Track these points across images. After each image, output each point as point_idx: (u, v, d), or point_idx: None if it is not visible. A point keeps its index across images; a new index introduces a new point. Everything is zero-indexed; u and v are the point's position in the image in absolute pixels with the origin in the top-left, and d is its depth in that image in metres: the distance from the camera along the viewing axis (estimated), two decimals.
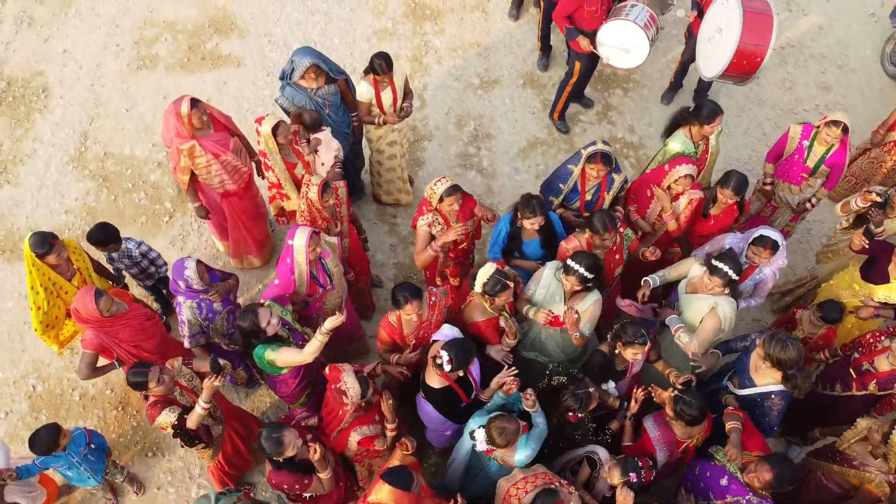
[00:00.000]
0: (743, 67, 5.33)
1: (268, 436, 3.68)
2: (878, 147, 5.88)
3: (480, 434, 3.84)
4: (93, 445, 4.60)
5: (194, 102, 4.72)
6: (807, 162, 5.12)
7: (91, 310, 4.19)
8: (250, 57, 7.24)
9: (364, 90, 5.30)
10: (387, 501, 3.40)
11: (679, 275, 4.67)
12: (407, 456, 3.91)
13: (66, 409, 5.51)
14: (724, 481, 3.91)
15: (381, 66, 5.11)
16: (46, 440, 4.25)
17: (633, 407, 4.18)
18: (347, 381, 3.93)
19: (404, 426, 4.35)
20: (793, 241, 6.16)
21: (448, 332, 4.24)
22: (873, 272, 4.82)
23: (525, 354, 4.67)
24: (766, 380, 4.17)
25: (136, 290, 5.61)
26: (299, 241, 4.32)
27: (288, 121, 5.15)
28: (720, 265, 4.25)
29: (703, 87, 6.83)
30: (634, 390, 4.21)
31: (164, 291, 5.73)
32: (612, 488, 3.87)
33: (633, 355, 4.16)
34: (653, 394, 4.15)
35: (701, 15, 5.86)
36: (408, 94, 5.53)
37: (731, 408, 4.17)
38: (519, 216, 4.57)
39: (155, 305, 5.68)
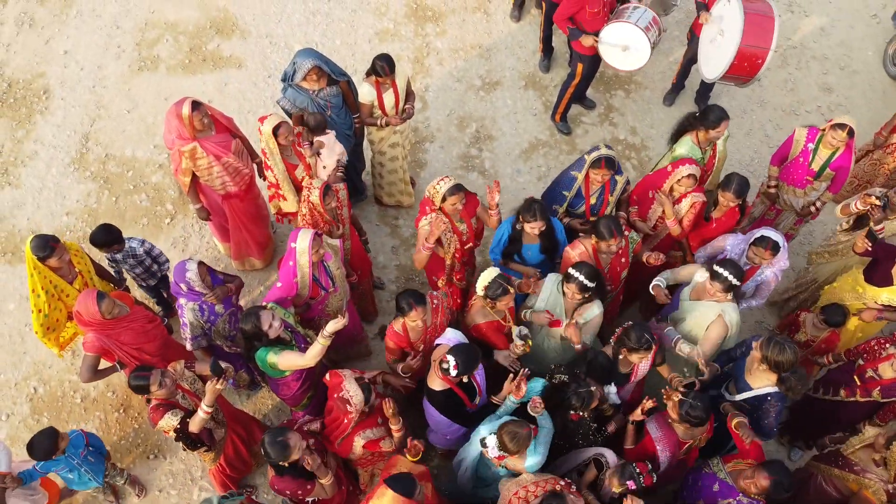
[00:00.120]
0: (744, 69, 5.33)
1: (272, 441, 3.66)
2: (880, 149, 5.86)
3: (492, 440, 3.82)
4: (91, 447, 4.58)
5: (195, 105, 4.71)
6: (812, 165, 5.10)
7: (93, 312, 4.19)
8: (251, 58, 7.24)
9: (366, 92, 5.29)
10: None
11: (685, 277, 4.66)
12: (416, 464, 3.89)
13: (67, 411, 5.50)
14: (715, 487, 3.93)
15: (383, 67, 5.11)
16: (45, 445, 4.23)
17: (638, 414, 4.17)
18: (350, 390, 3.92)
19: (408, 428, 4.33)
20: (794, 244, 6.14)
21: (451, 335, 4.23)
22: (877, 275, 4.80)
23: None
24: (761, 382, 4.18)
25: (137, 292, 5.60)
26: (302, 243, 4.31)
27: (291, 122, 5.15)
28: (721, 270, 4.25)
29: (705, 88, 6.83)
30: (644, 400, 4.18)
31: (165, 294, 5.73)
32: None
33: (639, 359, 4.16)
34: (664, 397, 4.13)
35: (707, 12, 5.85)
36: (410, 95, 5.53)
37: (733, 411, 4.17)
38: (520, 219, 4.57)
39: (157, 308, 5.67)
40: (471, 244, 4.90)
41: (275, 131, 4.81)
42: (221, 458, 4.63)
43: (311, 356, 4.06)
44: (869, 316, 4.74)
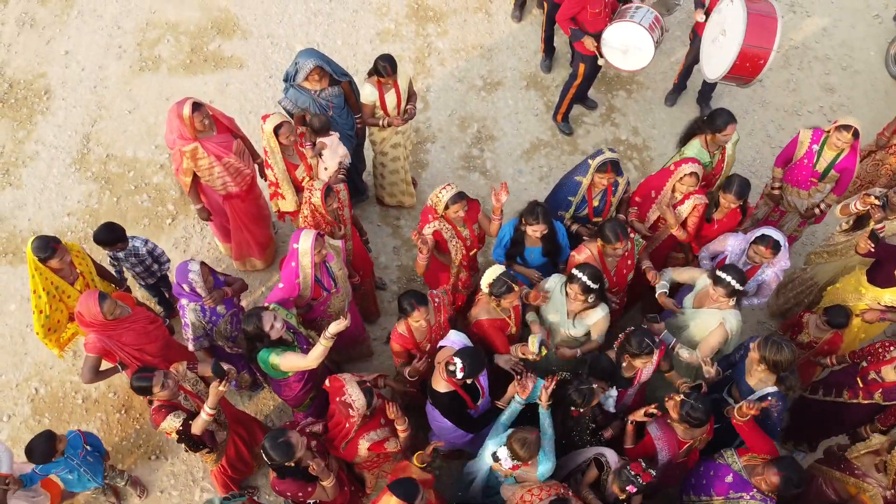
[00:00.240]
0: (746, 70, 5.32)
1: (274, 444, 3.65)
2: (883, 149, 5.86)
3: (503, 452, 3.81)
4: (89, 447, 4.57)
5: (196, 106, 4.70)
6: (816, 167, 5.09)
7: (95, 313, 4.18)
8: (253, 58, 7.23)
9: (368, 92, 5.28)
10: None
11: (686, 279, 4.65)
12: (423, 471, 3.89)
13: (68, 412, 5.49)
14: (728, 478, 3.91)
15: (385, 68, 5.10)
16: (42, 449, 4.21)
17: (639, 414, 4.15)
18: (353, 394, 3.91)
19: (413, 428, 4.31)
20: (797, 245, 6.13)
21: (454, 337, 4.23)
22: (880, 275, 4.80)
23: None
24: (761, 384, 4.17)
25: (139, 292, 5.60)
26: (304, 244, 4.30)
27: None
28: (724, 276, 4.25)
29: (707, 88, 6.82)
30: (648, 409, 4.17)
31: (167, 295, 5.72)
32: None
33: (642, 364, 4.15)
34: (666, 399, 4.12)
35: (707, 14, 5.83)
36: (411, 96, 5.52)
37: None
38: (523, 222, 4.56)
39: (157, 308, 5.67)
40: (475, 249, 4.90)
41: (276, 130, 4.81)
42: (223, 460, 4.62)
43: (314, 357, 4.05)
44: (872, 317, 4.73)
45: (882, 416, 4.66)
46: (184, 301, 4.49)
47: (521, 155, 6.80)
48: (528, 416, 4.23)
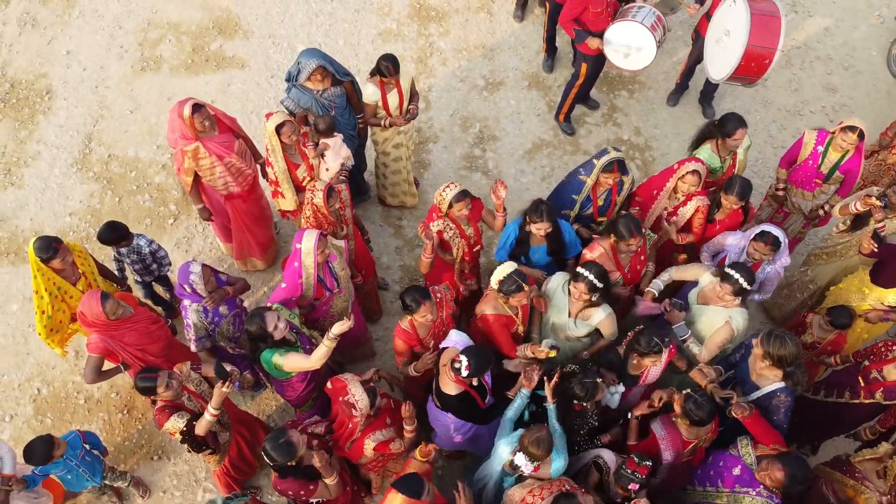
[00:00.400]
0: (751, 70, 5.31)
1: (275, 444, 3.65)
2: (885, 149, 5.85)
3: (520, 458, 3.78)
4: (87, 446, 4.56)
5: (196, 107, 4.69)
6: (821, 168, 5.09)
7: (97, 313, 4.18)
8: (254, 58, 7.22)
9: (371, 92, 5.28)
10: None
11: (684, 277, 4.64)
12: (421, 463, 3.88)
13: (70, 412, 5.49)
14: (736, 471, 3.89)
15: (387, 68, 5.10)
16: (40, 452, 4.21)
17: (643, 407, 4.14)
18: (356, 394, 3.90)
19: (420, 430, 4.31)
20: (801, 247, 6.11)
21: (456, 337, 4.22)
22: (883, 275, 4.79)
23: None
24: (767, 381, 4.16)
25: (140, 292, 5.59)
26: (307, 244, 4.30)
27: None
28: (732, 273, 4.23)
29: (710, 88, 6.81)
30: (655, 394, 4.15)
31: (169, 296, 5.72)
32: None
33: (651, 363, 4.15)
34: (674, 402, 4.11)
35: (708, 14, 5.83)
36: (414, 96, 5.52)
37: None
38: (527, 220, 4.56)
39: (157, 308, 5.65)
40: (478, 247, 4.89)
41: (278, 129, 4.81)
42: (226, 460, 4.61)
43: (317, 358, 4.04)
44: (875, 317, 4.72)
45: (882, 417, 4.65)
46: (186, 302, 4.49)
47: (523, 155, 6.80)
48: (535, 414, 4.23)
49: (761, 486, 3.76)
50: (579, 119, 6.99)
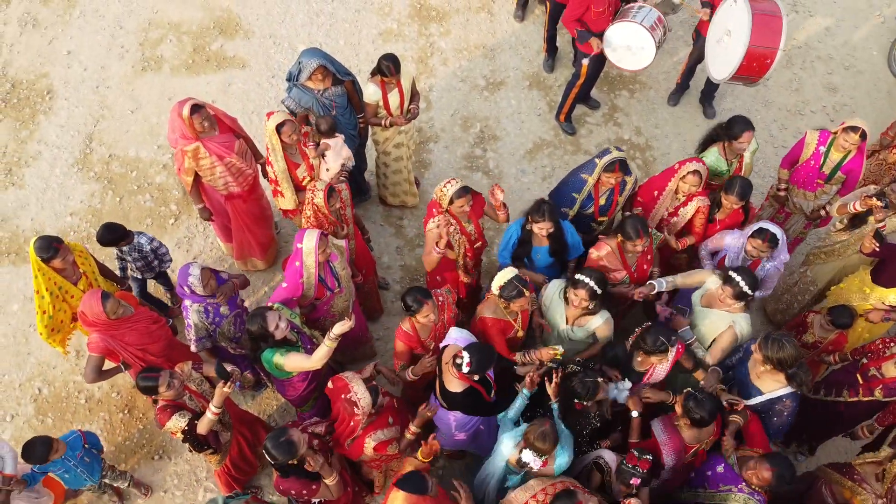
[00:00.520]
0: (753, 69, 5.31)
1: (276, 444, 3.64)
2: (886, 149, 5.85)
3: (528, 455, 3.78)
4: (87, 446, 4.56)
5: (195, 108, 4.68)
6: (823, 168, 5.08)
7: (97, 312, 4.18)
8: (255, 58, 7.23)
9: (371, 92, 5.28)
10: None
11: (690, 283, 4.63)
12: (420, 461, 3.88)
13: (71, 412, 5.48)
14: (720, 468, 3.93)
15: (388, 67, 5.10)
16: (40, 453, 4.21)
17: (637, 402, 4.13)
18: (358, 392, 3.90)
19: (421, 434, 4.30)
20: (801, 247, 6.11)
21: (456, 335, 4.22)
22: (884, 275, 4.79)
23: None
24: (771, 385, 4.15)
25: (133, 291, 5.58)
26: (308, 243, 4.30)
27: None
28: (735, 276, 4.22)
29: (710, 88, 6.81)
30: (648, 391, 4.16)
31: (170, 295, 5.72)
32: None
33: (657, 360, 4.15)
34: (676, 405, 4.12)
35: (712, 13, 5.83)
36: (414, 95, 5.52)
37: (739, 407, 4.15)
38: (529, 220, 4.55)
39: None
40: (479, 243, 4.89)
41: (279, 128, 4.81)
42: (227, 460, 4.61)
43: (318, 358, 4.04)
44: (876, 317, 4.71)
45: (881, 415, 4.65)
46: (187, 302, 4.49)
47: (523, 155, 6.80)
48: (536, 414, 4.23)
49: (743, 483, 3.79)
50: (580, 119, 6.99)
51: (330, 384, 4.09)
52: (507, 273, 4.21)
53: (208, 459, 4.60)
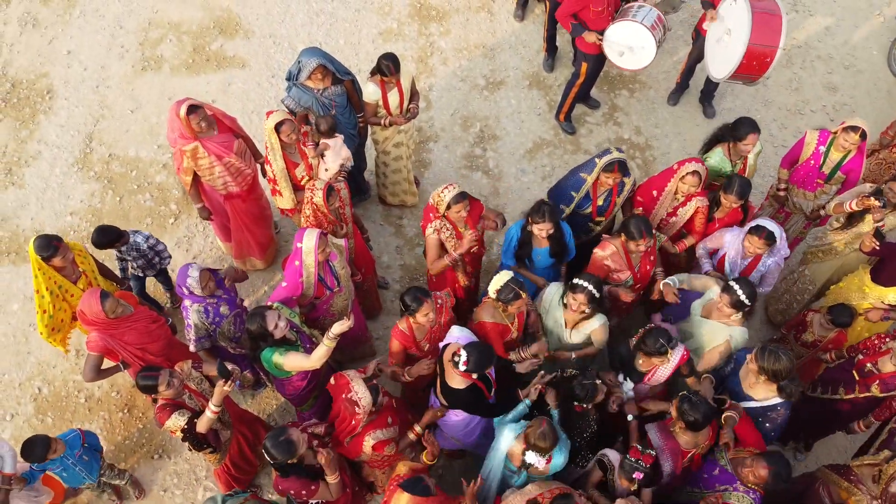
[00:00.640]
0: (753, 68, 5.31)
1: (276, 443, 3.64)
2: (886, 148, 5.85)
3: (532, 457, 3.81)
4: (86, 445, 4.56)
5: (192, 108, 4.67)
6: (822, 168, 5.08)
7: (97, 311, 4.18)
8: (255, 58, 7.23)
9: (371, 91, 5.28)
10: None
11: (696, 286, 4.61)
12: (418, 464, 3.87)
13: (71, 411, 5.49)
14: (715, 472, 3.96)
15: (388, 67, 5.10)
16: (38, 452, 4.22)
17: (650, 405, 4.12)
18: (359, 391, 3.89)
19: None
20: (801, 246, 6.11)
21: (457, 333, 4.21)
22: (883, 274, 4.79)
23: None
24: (764, 394, 4.16)
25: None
26: (308, 243, 4.30)
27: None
28: (735, 286, 4.21)
29: (710, 88, 6.81)
30: (649, 402, 4.17)
31: (169, 294, 5.72)
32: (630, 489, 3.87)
33: (659, 362, 4.15)
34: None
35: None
36: (414, 95, 5.52)
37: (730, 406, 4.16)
38: (529, 221, 4.55)
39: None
40: (476, 248, 4.88)
41: (277, 127, 4.81)
42: (226, 459, 4.61)
43: (317, 358, 4.04)
44: (875, 316, 4.71)
45: (877, 411, 4.65)
46: (187, 302, 4.49)
47: (523, 154, 6.80)
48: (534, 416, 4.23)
49: (738, 482, 3.81)
50: (580, 118, 6.99)
51: (332, 380, 4.08)
52: (504, 276, 4.21)
53: (208, 458, 4.60)
